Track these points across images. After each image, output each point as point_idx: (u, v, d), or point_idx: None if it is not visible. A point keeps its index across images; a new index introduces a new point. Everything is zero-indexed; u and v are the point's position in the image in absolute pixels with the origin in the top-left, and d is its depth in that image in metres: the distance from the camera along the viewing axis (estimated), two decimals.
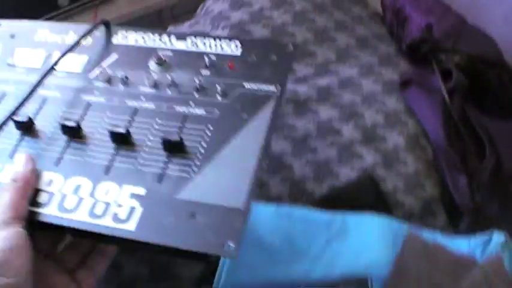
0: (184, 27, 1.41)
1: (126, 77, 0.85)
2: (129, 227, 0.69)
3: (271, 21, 1.32)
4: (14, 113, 0.79)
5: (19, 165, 0.75)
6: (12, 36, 0.94)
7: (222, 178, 0.72)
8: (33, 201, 0.73)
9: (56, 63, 0.85)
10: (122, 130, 0.77)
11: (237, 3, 1.37)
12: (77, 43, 0.87)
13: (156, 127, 0.79)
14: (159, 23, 1.81)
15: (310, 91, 1.20)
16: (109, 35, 0.92)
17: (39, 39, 0.93)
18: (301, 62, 1.28)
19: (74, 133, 0.79)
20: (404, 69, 1.30)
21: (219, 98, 0.81)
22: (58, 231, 0.74)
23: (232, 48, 0.87)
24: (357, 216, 1.00)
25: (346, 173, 1.09)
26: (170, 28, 1.43)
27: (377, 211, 1.01)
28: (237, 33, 1.31)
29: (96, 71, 0.87)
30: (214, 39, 0.88)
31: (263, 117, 0.77)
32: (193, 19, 1.45)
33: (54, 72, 0.86)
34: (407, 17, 1.30)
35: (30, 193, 0.73)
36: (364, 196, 1.08)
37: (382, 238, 0.98)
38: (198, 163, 0.74)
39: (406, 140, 1.15)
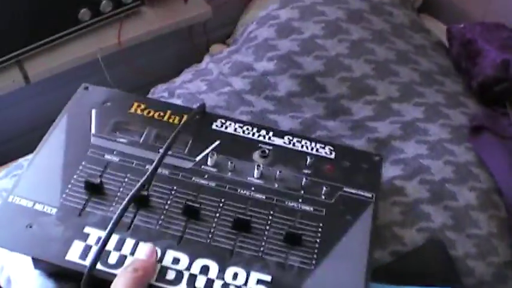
0: (224, 54, 1.27)
1: (234, 166, 0.91)
2: None
3: (325, 53, 1.17)
4: (132, 198, 0.82)
5: (142, 254, 0.78)
6: (106, 104, 0.99)
7: (338, 273, 0.80)
8: (162, 278, 0.78)
9: (168, 148, 0.89)
10: (245, 218, 0.83)
11: (285, 30, 1.22)
12: (183, 128, 0.93)
13: (272, 218, 0.86)
14: (189, 38, 1.67)
15: (369, 146, 1.07)
16: (208, 120, 0.99)
17: (135, 111, 0.98)
18: (360, 100, 1.13)
19: (193, 215, 0.84)
20: (473, 110, 1.15)
21: (323, 197, 0.89)
22: None
23: (326, 151, 0.96)
24: None
25: (411, 237, 0.97)
26: (207, 57, 1.29)
27: (445, 280, 0.92)
28: (286, 65, 1.16)
29: (203, 155, 0.93)
30: (310, 141, 0.97)
31: (366, 219, 0.87)
32: (233, 45, 1.31)
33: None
34: (480, 50, 1.16)
35: (146, 286, 0.75)
36: (432, 264, 0.96)
37: None
38: (315, 257, 0.82)
39: (478, 196, 1.02)
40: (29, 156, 0.99)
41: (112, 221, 0.79)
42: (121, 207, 0.81)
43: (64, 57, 1.46)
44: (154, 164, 0.87)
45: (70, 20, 1.43)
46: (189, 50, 1.63)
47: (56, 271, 0.87)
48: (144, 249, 0.79)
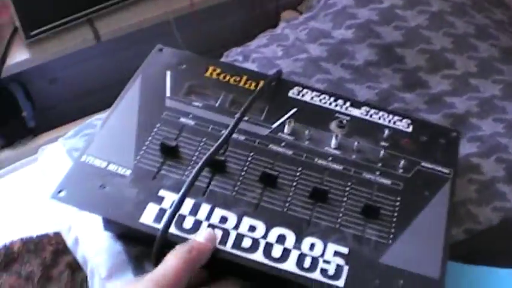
0: (300, 20, 1.25)
1: (311, 134, 0.89)
2: (339, 284, 0.75)
3: (405, 24, 1.14)
4: (208, 159, 0.81)
5: (201, 237, 0.75)
6: (180, 66, 0.98)
7: (417, 248, 0.79)
8: (238, 246, 0.77)
9: (244, 113, 0.88)
10: (323, 187, 0.82)
11: None
12: (260, 93, 0.92)
13: (349, 190, 0.84)
14: (259, 3, 1.65)
15: (445, 121, 1.04)
16: (285, 87, 0.97)
17: (211, 75, 0.97)
18: (438, 73, 1.11)
19: (271, 182, 0.83)
20: None
21: (400, 171, 0.87)
22: (245, 276, 0.79)
23: (404, 124, 0.93)
24: (503, 272, 0.88)
25: (486, 215, 0.94)
26: (283, 23, 1.26)
27: None
28: (364, 34, 1.14)
29: (280, 123, 0.91)
30: (388, 113, 0.95)
31: (443, 195, 0.85)
32: (308, 11, 1.28)
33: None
34: None
35: (195, 271, 0.73)
36: (507, 244, 0.93)
37: None
38: (392, 230, 0.80)
39: None
40: (100, 116, 0.99)
41: (186, 183, 0.78)
42: (196, 169, 0.79)
43: (135, 17, 1.46)
44: (229, 127, 0.86)
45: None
46: (259, 15, 1.62)
47: (125, 234, 0.87)
48: (204, 233, 0.76)
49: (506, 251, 0.92)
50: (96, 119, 1.06)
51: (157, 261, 0.77)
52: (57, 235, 1.03)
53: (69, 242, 0.95)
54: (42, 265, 1.02)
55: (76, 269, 1.01)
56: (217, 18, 1.58)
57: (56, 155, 1.02)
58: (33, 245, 1.04)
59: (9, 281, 1.01)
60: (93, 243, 0.89)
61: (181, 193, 0.77)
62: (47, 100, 1.57)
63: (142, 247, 0.85)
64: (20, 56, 1.38)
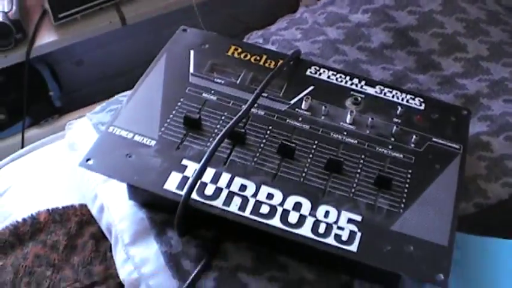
0: (319, 5, 1.27)
1: (328, 110, 0.92)
2: (352, 249, 0.78)
3: (419, 8, 1.17)
4: (229, 130, 0.85)
5: None
6: (203, 46, 1.02)
7: (427, 217, 0.82)
8: (256, 212, 0.80)
9: (264, 88, 0.92)
10: (338, 159, 0.85)
11: None
12: (279, 71, 0.96)
13: (363, 162, 0.87)
14: None
15: (456, 101, 1.06)
16: (303, 66, 1.00)
17: (232, 55, 1.00)
18: (450, 56, 1.12)
19: (288, 154, 0.86)
20: None
21: (412, 146, 0.90)
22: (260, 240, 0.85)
23: (416, 102, 0.97)
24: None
25: (495, 191, 0.96)
26: (302, 8, 1.29)
27: None
28: (379, 18, 1.16)
29: (298, 99, 0.94)
30: (401, 92, 0.98)
31: (453, 169, 0.88)
32: None
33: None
34: None
35: None
36: None
37: None
38: (404, 200, 0.83)
39: None
40: (126, 93, 1.02)
41: (207, 152, 0.81)
42: (217, 138, 0.83)
43: (160, 2, 1.49)
44: (249, 101, 0.89)
45: None
46: (280, 1, 1.63)
47: (148, 202, 0.90)
48: None
49: None
50: (122, 96, 1.09)
51: (179, 226, 0.81)
52: (83, 207, 1.05)
53: (94, 211, 0.98)
54: (67, 235, 1.03)
55: (100, 239, 1.02)
56: (239, 3, 1.61)
57: (83, 128, 1.05)
58: (58, 216, 1.06)
59: (35, 250, 1.02)
60: (117, 211, 0.92)
61: (203, 161, 0.80)
62: (73, 81, 1.60)
63: (165, 214, 0.88)
64: (48, 38, 1.41)
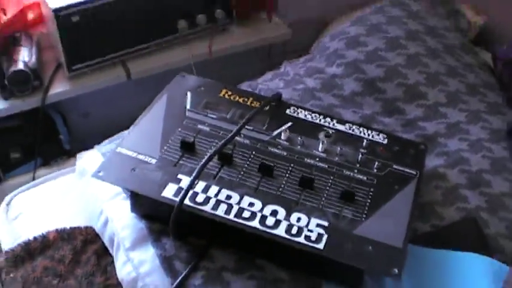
0: (300, 61, 1.43)
1: (303, 141, 1.06)
2: (319, 246, 0.90)
3: (386, 62, 1.32)
4: (219, 150, 1.00)
5: None
6: (199, 88, 1.18)
7: (385, 225, 0.95)
8: (239, 215, 0.93)
9: (248, 120, 1.07)
10: (310, 176, 0.99)
11: (353, 43, 1.38)
12: (261, 109, 1.11)
13: (331, 181, 1.01)
14: (268, 56, 1.84)
15: (418, 139, 1.19)
16: (284, 106, 1.16)
17: (224, 96, 1.16)
18: (413, 103, 1.27)
19: (268, 172, 1.00)
20: (511, 117, 1.27)
21: (375, 170, 1.04)
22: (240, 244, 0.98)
23: (380, 137, 1.11)
24: (458, 254, 1.01)
25: (450, 214, 1.07)
26: (285, 63, 1.45)
27: (477, 252, 1.01)
28: (351, 70, 1.32)
29: (278, 132, 1.09)
30: (367, 129, 1.12)
31: (410, 189, 1.02)
32: (308, 54, 1.47)
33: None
34: None
35: None
36: (467, 237, 1.06)
37: (483, 276, 0.98)
38: (365, 211, 0.97)
39: (511, 186, 1.12)
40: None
41: (199, 165, 0.96)
42: (207, 156, 0.98)
43: (161, 61, 1.64)
44: (236, 128, 1.04)
45: (169, 29, 1.63)
46: (268, 67, 1.79)
47: (147, 213, 1.03)
48: None
49: (467, 243, 1.04)
50: (127, 132, 1.23)
51: (173, 228, 0.94)
52: (87, 228, 1.15)
53: (99, 225, 1.10)
54: (73, 250, 1.13)
55: (102, 255, 1.12)
56: (232, 65, 1.75)
57: (92, 157, 1.19)
58: (66, 235, 1.16)
59: (44, 263, 1.12)
60: (120, 222, 1.05)
61: (195, 172, 0.95)
62: (80, 131, 1.72)
63: (161, 224, 1.01)
64: (61, 87, 1.54)
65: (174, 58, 1.65)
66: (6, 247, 1.18)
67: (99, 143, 1.25)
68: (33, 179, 1.57)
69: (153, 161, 1.00)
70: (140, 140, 1.04)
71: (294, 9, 1.79)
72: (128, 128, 1.10)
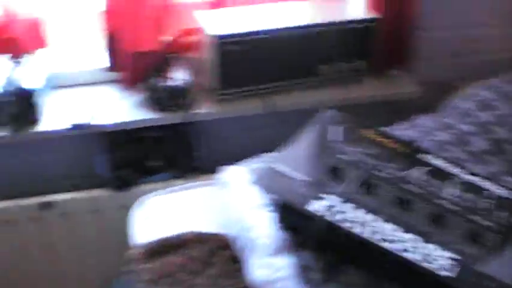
0: (431, 117, 1.55)
1: (436, 184, 1.17)
2: (451, 275, 1.01)
3: None
4: (366, 178, 1.13)
5: None
6: (346, 124, 1.28)
7: (508, 267, 1.03)
8: (382, 239, 1.04)
9: (392, 157, 1.21)
10: (443, 214, 1.11)
11: (484, 105, 1.49)
12: (403, 149, 1.24)
13: (461, 221, 1.10)
14: (394, 109, 1.92)
15: None
16: (418, 151, 1.25)
17: (367, 135, 1.26)
18: None
19: (404, 205, 1.11)
20: None
21: (503, 221, 1.12)
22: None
23: (505, 192, 1.19)
24: None
25: None
26: (418, 116, 1.55)
27: None
28: (481, 130, 1.42)
29: (415, 171, 1.19)
30: (497, 184, 1.20)
31: None
32: (439, 112, 1.57)
33: None
34: None
35: None
36: None
37: None
38: (491, 253, 1.06)
39: None
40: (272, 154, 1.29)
41: (347, 187, 1.09)
42: (355, 182, 1.11)
43: (301, 99, 1.76)
44: (384, 162, 1.17)
45: (311, 72, 1.75)
46: (393, 119, 1.87)
47: (291, 225, 1.14)
48: None
49: None
50: (269, 156, 1.36)
51: (315, 242, 1.07)
52: (222, 235, 1.27)
53: (236, 231, 1.22)
54: (207, 252, 1.24)
55: (232, 261, 1.22)
56: (359, 113, 1.84)
57: (236, 171, 1.32)
58: (201, 238, 1.28)
59: (178, 259, 1.23)
60: (262, 229, 1.16)
61: (342, 193, 1.09)
62: (212, 150, 1.84)
63: (301, 238, 1.13)
64: (208, 109, 1.67)
65: (310, 98, 1.76)
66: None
67: (228, 163, 1.37)
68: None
69: (304, 178, 1.13)
70: (293, 161, 1.17)
71: (425, 70, 1.89)
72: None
